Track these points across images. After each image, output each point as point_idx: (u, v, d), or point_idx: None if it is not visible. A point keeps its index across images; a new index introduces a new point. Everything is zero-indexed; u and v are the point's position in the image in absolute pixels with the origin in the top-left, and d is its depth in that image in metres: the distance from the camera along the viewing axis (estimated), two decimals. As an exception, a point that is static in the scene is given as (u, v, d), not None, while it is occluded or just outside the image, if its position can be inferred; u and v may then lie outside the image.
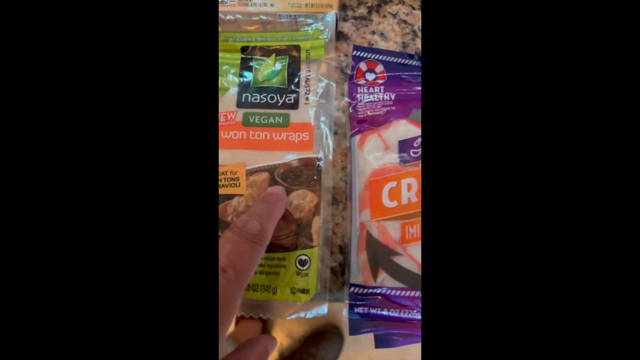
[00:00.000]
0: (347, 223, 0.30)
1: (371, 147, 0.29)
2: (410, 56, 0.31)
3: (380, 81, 0.31)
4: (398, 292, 0.26)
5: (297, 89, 0.30)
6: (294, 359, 0.99)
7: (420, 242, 0.27)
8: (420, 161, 0.28)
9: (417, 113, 0.29)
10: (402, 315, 0.26)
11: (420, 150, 0.28)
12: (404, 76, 0.31)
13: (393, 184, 0.28)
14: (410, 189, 0.27)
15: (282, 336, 1.03)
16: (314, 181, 0.28)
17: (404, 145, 0.28)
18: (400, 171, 0.28)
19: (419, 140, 0.28)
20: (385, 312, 0.27)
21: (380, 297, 0.27)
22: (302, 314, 0.26)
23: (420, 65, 0.31)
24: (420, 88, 0.30)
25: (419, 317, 0.26)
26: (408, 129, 0.29)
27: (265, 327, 1.01)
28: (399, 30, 0.34)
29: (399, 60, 0.31)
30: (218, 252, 0.20)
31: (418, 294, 0.26)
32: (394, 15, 0.34)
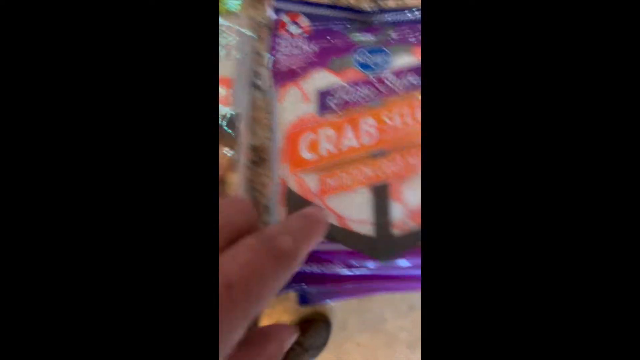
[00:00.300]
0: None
1: (290, 99, 0.28)
2: (338, 8, 0.30)
3: (306, 34, 0.29)
4: (318, 246, 0.25)
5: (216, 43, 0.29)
6: (280, 348, 0.98)
7: (338, 193, 0.25)
8: (340, 112, 0.27)
9: (336, 62, 0.28)
10: (323, 270, 0.25)
11: (340, 101, 0.27)
12: (333, 27, 0.29)
13: (311, 135, 0.26)
14: (329, 140, 0.26)
15: (270, 326, 1.03)
16: (231, 136, 0.27)
17: (324, 96, 0.27)
18: (319, 122, 0.27)
19: (338, 89, 0.27)
20: (306, 269, 0.25)
21: (300, 253, 0.26)
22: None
23: (350, 17, 0.30)
24: (350, 38, 0.29)
25: (340, 271, 0.25)
26: (327, 78, 0.27)
27: (251, 317, 1.00)
28: (329, -16, 0.32)
29: (325, 12, 0.30)
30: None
31: (339, 247, 0.25)
32: (323, -31, 0.33)
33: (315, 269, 0.25)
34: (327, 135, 0.26)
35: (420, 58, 0.27)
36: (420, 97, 0.26)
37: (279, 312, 1.04)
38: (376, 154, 0.26)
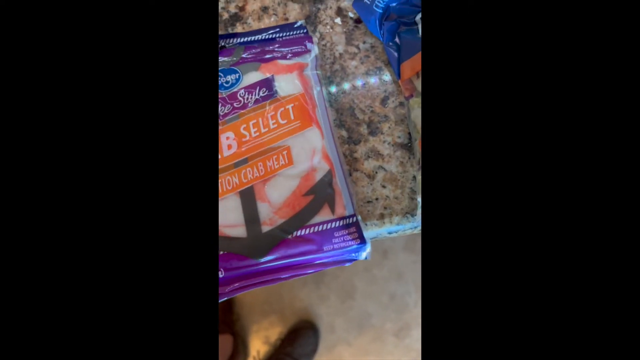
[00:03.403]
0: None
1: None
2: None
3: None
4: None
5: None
6: (270, 362, 0.99)
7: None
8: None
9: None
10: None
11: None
12: None
13: (179, 157, 0.29)
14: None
15: (259, 344, 1.03)
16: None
17: (187, 120, 0.30)
18: (185, 144, 0.29)
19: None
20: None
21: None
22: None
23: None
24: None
25: (226, 274, 0.28)
26: (188, 103, 0.30)
27: (237, 340, 1.00)
28: None
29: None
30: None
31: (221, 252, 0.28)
32: None
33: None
34: (193, 155, 0.29)
35: (266, 74, 0.30)
36: (268, 107, 0.29)
37: (266, 327, 1.05)
38: (238, 163, 0.28)
